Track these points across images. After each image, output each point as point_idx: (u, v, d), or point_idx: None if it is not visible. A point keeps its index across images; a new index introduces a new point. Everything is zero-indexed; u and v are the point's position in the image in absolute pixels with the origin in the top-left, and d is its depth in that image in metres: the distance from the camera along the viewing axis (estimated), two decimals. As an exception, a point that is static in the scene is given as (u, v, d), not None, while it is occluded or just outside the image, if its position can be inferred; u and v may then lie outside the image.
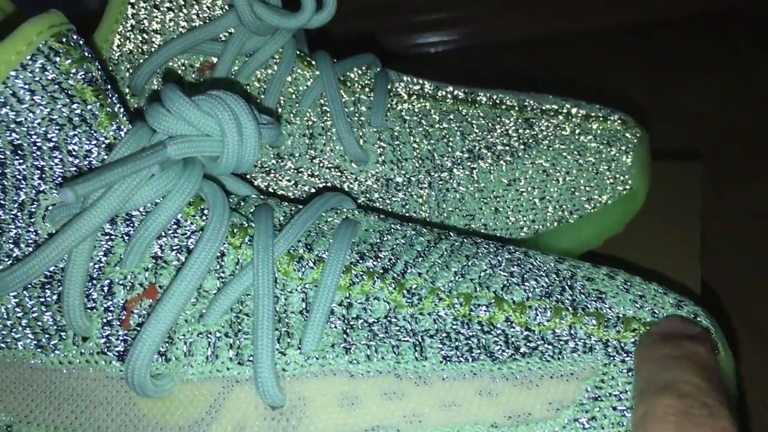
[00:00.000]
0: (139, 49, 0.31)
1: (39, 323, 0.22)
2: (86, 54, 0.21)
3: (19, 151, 0.21)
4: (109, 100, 0.22)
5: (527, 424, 0.20)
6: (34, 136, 0.21)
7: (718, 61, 0.65)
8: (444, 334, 0.22)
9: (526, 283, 0.23)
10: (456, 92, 0.33)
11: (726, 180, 0.48)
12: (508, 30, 0.76)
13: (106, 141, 0.21)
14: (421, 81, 0.34)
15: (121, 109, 0.22)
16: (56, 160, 0.21)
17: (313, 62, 0.32)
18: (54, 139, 0.21)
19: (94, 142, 0.21)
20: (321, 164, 0.31)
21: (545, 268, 0.24)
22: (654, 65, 0.65)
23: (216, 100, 0.22)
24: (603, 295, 0.22)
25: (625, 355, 0.21)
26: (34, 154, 0.21)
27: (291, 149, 0.31)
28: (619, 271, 0.24)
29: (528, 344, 0.21)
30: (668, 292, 0.23)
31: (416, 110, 0.32)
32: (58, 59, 0.20)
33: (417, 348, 0.22)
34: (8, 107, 0.20)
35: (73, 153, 0.21)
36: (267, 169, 0.31)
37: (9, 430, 0.22)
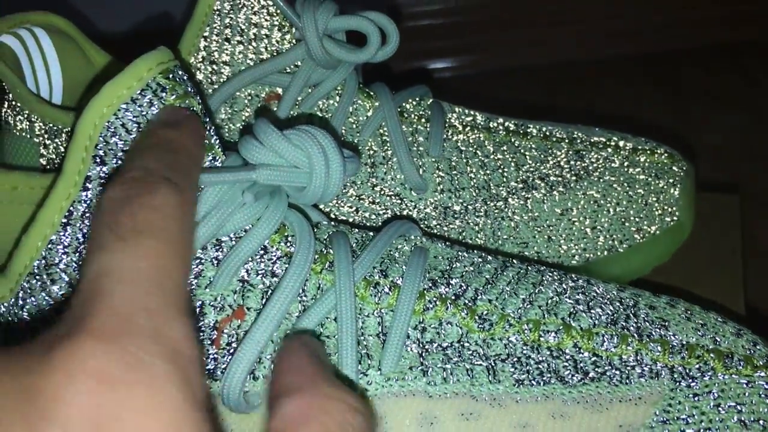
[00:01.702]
0: (209, 80, 0.33)
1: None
2: (189, 90, 0.23)
3: (122, 179, 0.23)
4: (207, 132, 0.23)
5: (600, 446, 0.21)
6: (138, 165, 0.22)
7: (737, 92, 0.66)
8: (515, 359, 0.23)
9: (592, 311, 0.24)
10: (507, 124, 0.35)
11: (756, 210, 0.49)
12: (528, 57, 0.78)
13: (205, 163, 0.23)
14: (472, 112, 0.35)
15: (217, 141, 0.23)
16: (155, 188, 0.23)
17: (372, 93, 0.34)
18: (156, 168, 0.22)
19: (192, 170, 0.23)
20: (382, 192, 0.32)
21: (609, 296, 0.25)
22: (675, 94, 0.66)
23: (306, 134, 0.23)
24: (666, 323, 0.24)
25: (690, 380, 0.22)
26: (136, 182, 0.23)
27: (353, 177, 0.32)
28: (679, 300, 0.25)
29: (596, 369, 0.23)
30: (727, 321, 0.24)
31: (471, 141, 0.34)
32: (164, 95, 0.22)
33: (490, 371, 0.23)
34: (117, 137, 0.22)
35: (173, 181, 0.23)
36: (330, 206, 0.32)
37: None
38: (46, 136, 0.33)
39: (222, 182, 0.22)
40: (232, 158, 0.23)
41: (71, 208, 0.23)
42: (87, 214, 0.23)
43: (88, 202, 0.23)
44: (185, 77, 0.23)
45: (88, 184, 0.23)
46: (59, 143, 0.33)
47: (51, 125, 0.33)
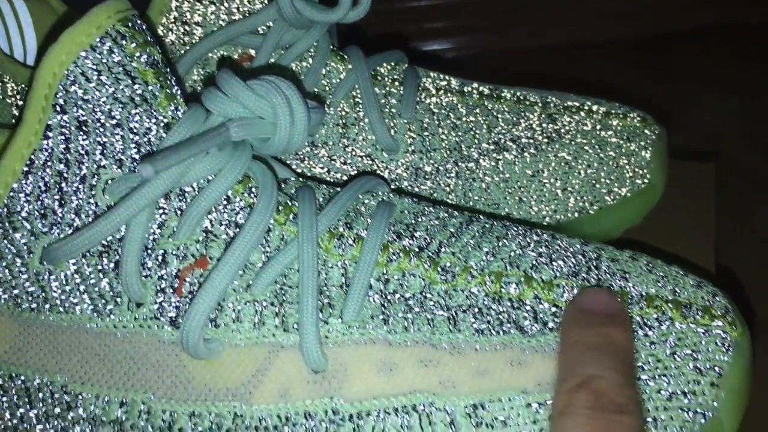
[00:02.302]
0: (181, 41, 0.33)
1: (96, 289, 0.23)
2: (149, 38, 0.23)
3: (84, 127, 0.23)
4: (169, 82, 0.23)
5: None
6: (99, 113, 0.22)
7: (731, 75, 0.66)
8: (476, 309, 0.23)
9: (554, 263, 0.24)
10: (481, 88, 0.35)
11: (741, 189, 0.50)
12: (523, 39, 0.77)
13: (165, 120, 0.23)
14: (447, 77, 0.35)
15: (179, 92, 0.23)
16: (117, 137, 0.23)
17: (346, 56, 0.34)
18: (117, 117, 0.23)
19: (154, 120, 0.23)
20: (353, 152, 0.32)
21: (572, 250, 0.25)
22: (669, 77, 0.66)
23: (270, 85, 0.23)
24: (627, 275, 0.24)
25: (648, 329, 0.22)
26: (98, 131, 0.23)
27: (325, 138, 0.32)
28: (642, 254, 0.25)
29: (555, 319, 0.23)
30: (688, 274, 0.24)
31: (444, 104, 0.34)
32: (124, 42, 0.22)
33: (451, 321, 0.23)
34: (77, 85, 0.22)
35: (134, 130, 0.23)
36: (301, 156, 0.32)
37: (64, 390, 0.23)
38: (18, 96, 0.33)
39: (203, 150, 0.22)
40: (194, 110, 0.23)
41: (32, 157, 0.23)
42: (48, 163, 0.23)
43: (49, 150, 0.23)
44: (144, 26, 0.23)
45: (48, 133, 0.23)
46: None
47: (23, 86, 0.33)
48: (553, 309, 0.23)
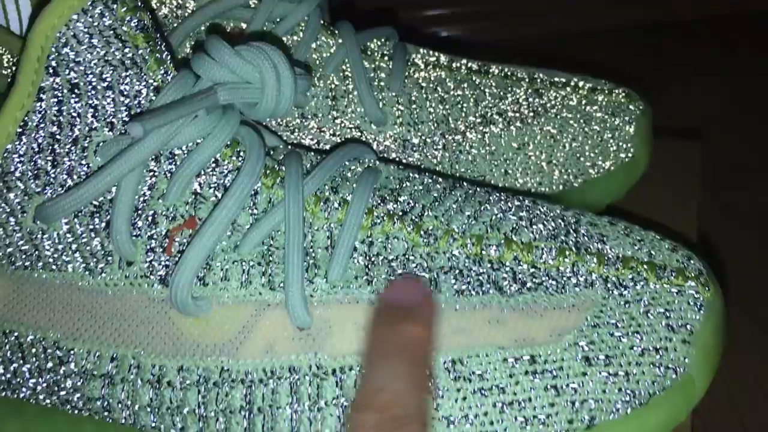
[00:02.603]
0: (174, 14, 0.34)
1: (88, 248, 0.24)
2: (139, 3, 0.23)
3: (76, 90, 0.23)
4: (158, 47, 0.24)
5: (532, 347, 0.22)
6: (90, 76, 0.23)
7: (722, 64, 0.67)
8: (457, 271, 0.24)
9: (533, 226, 0.25)
10: (470, 64, 0.35)
11: (726, 176, 0.50)
12: (514, 28, 0.78)
13: (155, 84, 0.24)
14: (436, 54, 0.36)
15: (168, 56, 0.24)
16: (108, 100, 0.23)
17: (336, 31, 0.34)
18: (108, 80, 0.23)
19: (144, 84, 0.23)
20: (342, 124, 0.33)
21: (552, 214, 0.26)
22: (660, 66, 0.67)
23: (257, 51, 0.24)
24: (605, 238, 0.24)
25: (623, 289, 0.23)
26: (89, 93, 0.23)
27: (314, 110, 0.33)
28: (620, 220, 0.26)
29: (534, 280, 0.23)
30: (664, 239, 0.25)
31: (432, 78, 0.34)
32: (114, 6, 0.23)
33: (432, 282, 0.24)
34: (69, 48, 0.22)
35: (125, 93, 0.23)
36: (291, 128, 0.33)
37: (56, 345, 0.24)
38: (14, 68, 0.34)
39: (191, 112, 0.23)
40: (183, 74, 0.24)
41: (26, 119, 0.23)
42: (41, 125, 0.23)
43: (42, 112, 0.23)
44: (135, -10, 0.23)
45: (41, 95, 0.23)
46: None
47: (18, 57, 0.33)
48: (532, 270, 0.24)
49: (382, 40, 0.36)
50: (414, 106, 0.33)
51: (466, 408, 0.22)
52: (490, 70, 0.35)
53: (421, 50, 0.36)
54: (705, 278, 0.23)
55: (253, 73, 0.24)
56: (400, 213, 0.25)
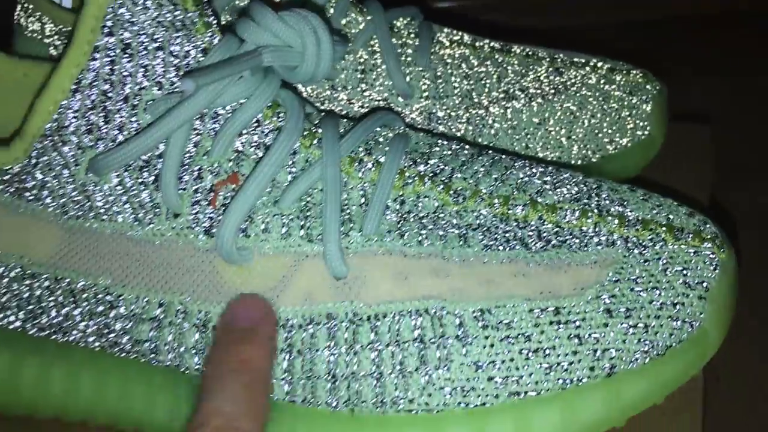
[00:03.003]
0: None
1: (137, 200, 0.25)
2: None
3: (128, 50, 0.25)
4: (206, 11, 0.25)
5: (556, 299, 0.24)
6: (143, 36, 0.24)
7: (722, 64, 0.68)
8: (485, 228, 0.25)
9: (557, 190, 0.26)
10: (492, 43, 0.37)
11: (726, 175, 0.51)
12: (517, 23, 0.79)
13: (202, 45, 0.25)
14: (460, 33, 0.37)
15: (215, 20, 0.25)
16: (158, 60, 0.25)
17: (365, 9, 0.36)
18: (159, 40, 0.24)
19: (193, 45, 0.25)
20: (371, 97, 0.34)
21: (574, 180, 0.27)
22: (661, 62, 0.68)
23: (299, 16, 0.25)
24: (625, 202, 0.26)
25: (642, 248, 0.24)
26: (140, 53, 0.25)
27: (344, 82, 0.34)
28: (640, 188, 0.27)
29: (558, 238, 0.25)
30: (682, 205, 0.26)
31: (456, 55, 0.36)
32: (169, -31, 0.24)
33: (461, 237, 0.25)
34: (125, 8, 0.24)
35: (174, 53, 0.25)
36: (322, 99, 0.34)
37: (107, 291, 0.25)
38: (56, 37, 0.35)
39: (238, 72, 0.24)
40: (228, 37, 0.25)
41: (80, 76, 0.25)
42: (95, 83, 0.25)
43: (95, 71, 0.25)
44: (188, -44, 0.25)
45: (96, 54, 0.25)
46: (68, 44, 0.35)
47: (61, 27, 0.35)
48: (556, 229, 0.25)
49: (408, 19, 0.37)
50: (439, 80, 0.35)
51: (494, 354, 0.23)
52: (512, 50, 0.36)
53: (445, 29, 0.37)
54: (720, 240, 0.25)
55: (294, 38, 0.25)
56: (431, 174, 0.26)
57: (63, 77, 0.24)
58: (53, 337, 0.26)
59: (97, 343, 0.26)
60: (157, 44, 0.25)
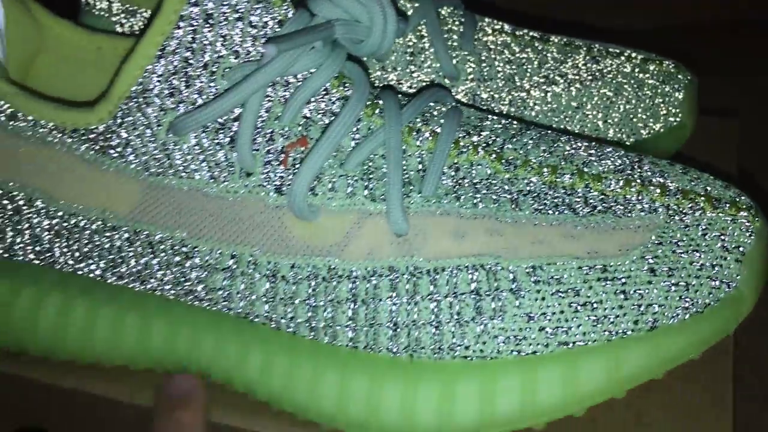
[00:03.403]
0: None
1: (213, 159, 0.27)
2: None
3: (210, 20, 0.27)
4: (279, -14, 0.27)
5: (603, 258, 0.26)
6: (225, 7, 0.26)
7: (722, 64, 0.69)
8: (535, 194, 0.27)
9: (602, 161, 0.28)
10: (531, 33, 0.39)
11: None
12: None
13: (279, 17, 0.27)
14: (501, 22, 0.39)
15: (288, -5, 0.27)
16: (237, 30, 0.27)
17: (412, -3, 0.38)
18: (240, 11, 0.26)
19: (270, 16, 0.27)
20: (419, 78, 0.36)
21: (618, 153, 0.29)
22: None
23: (368, -7, 0.27)
24: (666, 174, 0.28)
25: (683, 215, 0.26)
26: (221, 23, 0.27)
27: (394, 63, 0.36)
28: (678, 164, 0.29)
29: (603, 204, 0.27)
30: (717, 178, 0.28)
31: (499, 42, 0.38)
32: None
33: (513, 201, 0.27)
34: (211, -20, 0.26)
35: (253, 24, 0.27)
36: (373, 80, 0.36)
37: (183, 243, 0.27)
38: (123, 15, 0.37)
39: (312, 42, 0.26)
40: (301, 11, 0.27)
41: (165, 43, 0.27)
42: (177, 50, 0.27)
43: (179, 39, 0.27)
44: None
45: (181, 23, 0.27)
46: (134, 22, 0.37)
47: (128, 6, 0.37)
48: (602, 197, 0.27)
49: (451, 8, 0.39)
50: (483, 64, 0.37)
51: (545, 306, 0.25)
52: (551, 39, 0.38)
53: (487, 19, 0.39)
54: (755, 210, 0.27)
55: (363, 13, 0.27)
56: (484, 144, 0.28)
57: (149, 44, 0.26)
58: (131, 285, 0.28)
59: (172, 292, 0.28)
60: (238, 15, 0.27)
